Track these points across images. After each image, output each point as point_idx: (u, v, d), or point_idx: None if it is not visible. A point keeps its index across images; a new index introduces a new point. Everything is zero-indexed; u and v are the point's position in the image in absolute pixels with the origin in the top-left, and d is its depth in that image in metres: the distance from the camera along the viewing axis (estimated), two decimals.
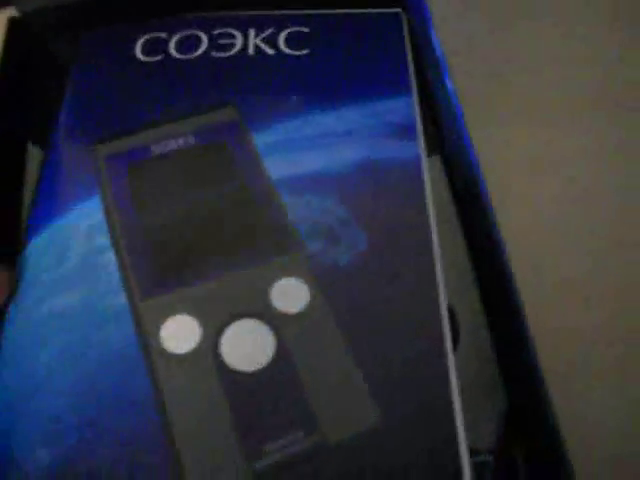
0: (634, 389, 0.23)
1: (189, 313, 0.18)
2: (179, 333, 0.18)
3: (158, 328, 0.18)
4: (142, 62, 0.23)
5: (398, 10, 0.25)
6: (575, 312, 0.25)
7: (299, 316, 0.18)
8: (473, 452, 0.20)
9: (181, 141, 0.21)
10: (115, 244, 0.19)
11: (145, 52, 0.23)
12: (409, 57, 0.23)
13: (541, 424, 0.19)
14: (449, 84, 0.24)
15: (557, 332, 0.24)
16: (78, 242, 0.19)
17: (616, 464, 0.22)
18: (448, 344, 0.17)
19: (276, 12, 0.24)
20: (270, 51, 0.23)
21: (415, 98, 0.22)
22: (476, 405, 0.21)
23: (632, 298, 0.25)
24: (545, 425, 0.19)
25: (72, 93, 0.22)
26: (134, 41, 0.23)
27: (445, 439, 0.16)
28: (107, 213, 0.19)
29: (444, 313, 0.18)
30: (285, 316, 0.18)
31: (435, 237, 0.19)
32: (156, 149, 0.20)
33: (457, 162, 0.24)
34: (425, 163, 0.21)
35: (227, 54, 0.23)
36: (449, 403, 0.17)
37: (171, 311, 0.18)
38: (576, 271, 0.25)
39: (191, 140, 0.21)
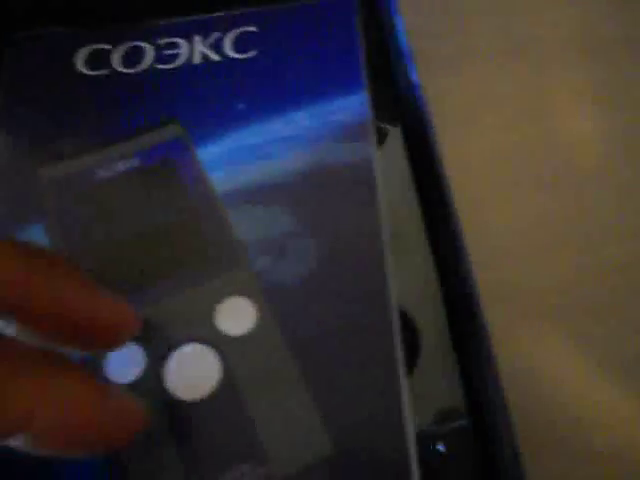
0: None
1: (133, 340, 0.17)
2: (123, 362, 0.17)
3: (102, 357, 0.17)
4: (84, 75, 0.22)
5: None
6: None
7: (246, 338, 0.17)
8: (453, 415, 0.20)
9: (126, 163, 0.20)
10: None
11: (88, 65, 0.22)
12: (361, 47, 0.22)
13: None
14: (414, 77, 0.23)
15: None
16: None
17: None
18: (401, 366, 0.16)
19: (224, 12, 0.23)
20: (216, 57, 0.22)
21: (367, 92, 0.21)
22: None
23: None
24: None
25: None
26: (74, 51, 0.22)
27: (398, 473, 0.15)
28: (51, 239, 0.19)
29: (397, 332, 0.17)
30: (231, 339, 0.17)
31: (387, 245, 0.18)
32: (101, 173, 0.20)
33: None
34: (377, 163, 0.20)
35: (172, 65, 0.22)
36: (402, 433, 0.16)
37: None
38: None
39: (136, 162, 0.20)
